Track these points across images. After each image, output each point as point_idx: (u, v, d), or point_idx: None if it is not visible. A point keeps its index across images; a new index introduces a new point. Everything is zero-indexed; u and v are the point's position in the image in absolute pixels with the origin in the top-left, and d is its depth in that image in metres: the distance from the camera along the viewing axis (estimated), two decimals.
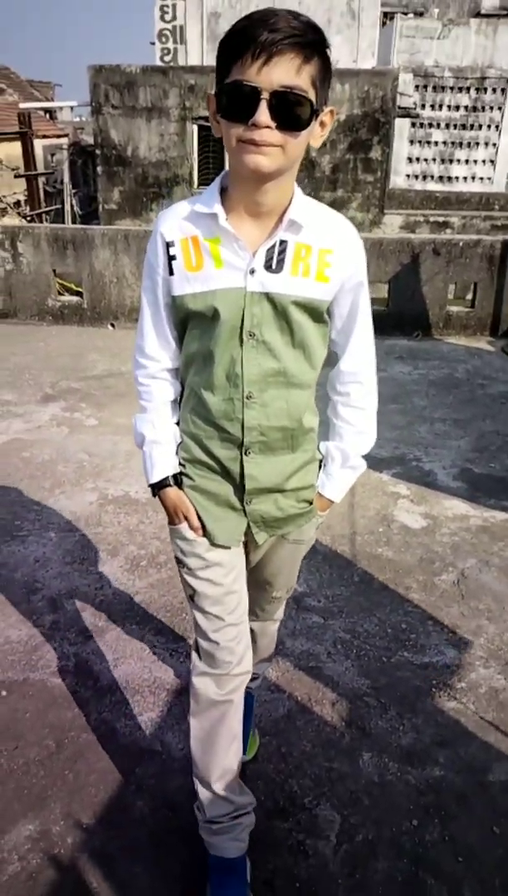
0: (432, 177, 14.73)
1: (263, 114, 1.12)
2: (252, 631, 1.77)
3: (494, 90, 14.30)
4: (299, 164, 1.25)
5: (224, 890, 1.61)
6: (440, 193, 13.82)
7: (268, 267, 1.29)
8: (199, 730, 1.60)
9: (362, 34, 16.29)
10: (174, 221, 1.33)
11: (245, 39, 1.11)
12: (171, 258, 1.33)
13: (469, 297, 6.84)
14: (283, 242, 1.29)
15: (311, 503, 1.56)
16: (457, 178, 14.70)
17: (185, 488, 1.50)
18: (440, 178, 14.74)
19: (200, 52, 16.65)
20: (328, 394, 1.56)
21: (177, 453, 1.52)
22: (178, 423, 1.53)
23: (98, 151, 11.72)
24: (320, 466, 1.58)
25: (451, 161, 14.63)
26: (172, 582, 2.82)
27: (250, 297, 1.30)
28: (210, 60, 16.20)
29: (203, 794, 1.62)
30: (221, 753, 1.60)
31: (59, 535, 3.17)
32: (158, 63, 16.41)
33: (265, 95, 1.11)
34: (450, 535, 3.24)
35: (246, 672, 1.60)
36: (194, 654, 1.61)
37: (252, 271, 1.29)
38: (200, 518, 1.51)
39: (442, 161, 14.64)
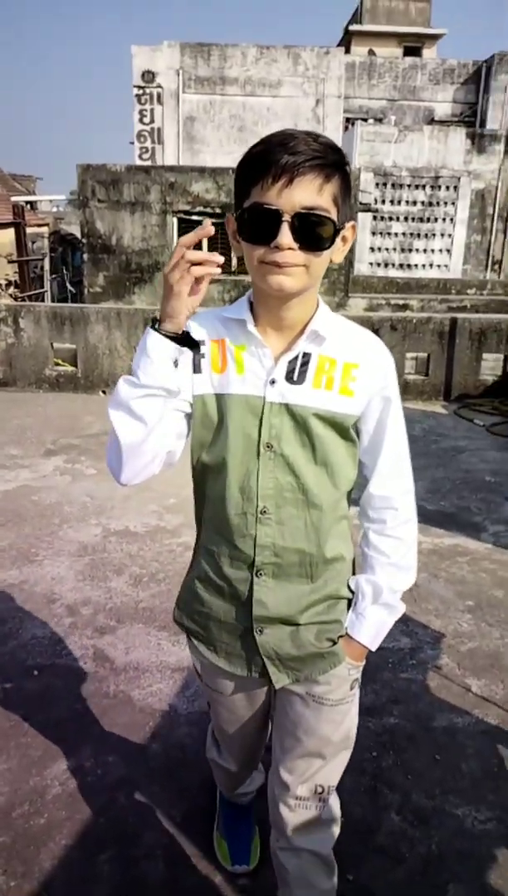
0: (393, 264, 15.92)
1: (285, 236, 1.10)
2: (284, 869, 1.54)
3: (447, 187, 15.71)
4: (321, 278, 1.24)
5: (236, 827, 1.95)
6: (401, 279, 14.98)
7: (289, 378, 1.25)
8: (215, 769, 1.88)
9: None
10: (205, 322, 1.30)
11: (265, 163, 1.09)
12: (200, 356, 1.29)
13: (424, 367, 7.63)
14: (306, 355, 1.26)
15: (335, 643, 1.39)
16: (416, 265, 15.93)
17: (199, 608, 1.43)
18: (401, 265, 15.95)
19: (176, 151, 18.16)
20: (360, 522, 1.45)
21: (193, 557, 1.48)
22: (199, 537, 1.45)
23: (84, 240, 12.68)
24: (348, 607, 1.43)
25: (410, 250, 15.89)
26: (171, 593, 3.32)
27: (270, 407, 1.25)
28: (186, 160, 17.73)
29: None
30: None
31: (71, 559, 3.67)
32: (138, 160, 17.88)
33: (287, 218, 1.10)
34: None
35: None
36: (209, 737, 1.85)
37: (272, 381, 1.25)
38: (211, 642, 1.44)
39: (402, 250, 15.89)
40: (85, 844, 1.99)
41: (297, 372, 1.25)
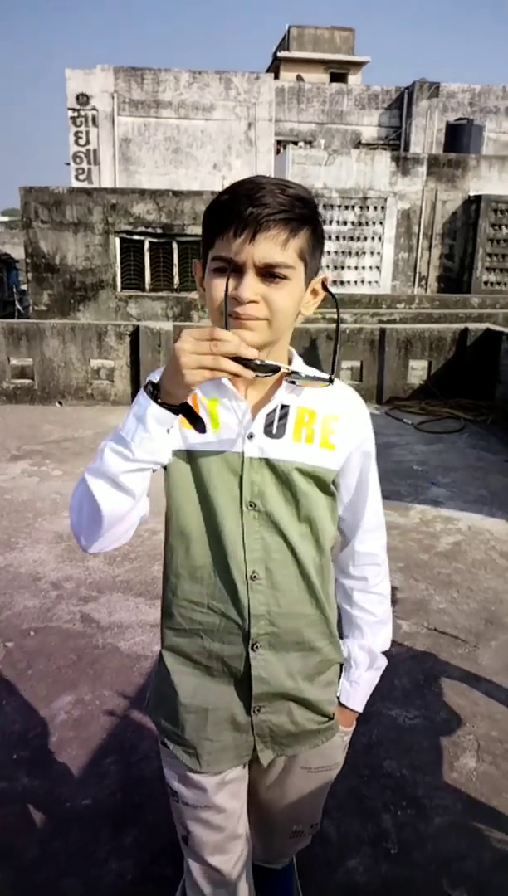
0: None
1: (246, 289, 1.05)
2: (261, 873, 1.56)
3: (375, 208, 16.59)
4: (292, 329, 1.17)
5: None
6: (335, 295, 15.71)
7: (268, 432, 1.17)
8: None
9: (259, 159, 18.74)
10: None
11: (229, 214, 1.04)
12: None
13: (359, 374, 8.29)
14: (285, 407, 1.18)
15: (331, 718, 1.34)
16: (348, 281, 16.75)
17: (179, 701, 1.26)
18: (334, 281, 16.70)
19: (112, 172, 18.63)
20: (339, 579, 1.38)
21: (165, 642, 1.29)
22: (165, 611, 1.29)
23: (29, 260, 12.97)
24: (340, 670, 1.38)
25: (343, 267, 16.69)
26: (144, 569, 3.78)
27: (250, 462, 1.17)
28: (123, 181, 18.23)
29: None
30: None
31: (49, 545, 4.09)
32: (74, 182, 18.28)
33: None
34: None
35: None
36: None
37: (250, 436, 1.16)
38: (191, 744, 1.27)
39: (335, 267, 16.66)
40: (91, 753, 2.44)
41: (276, 425, 1.18)
